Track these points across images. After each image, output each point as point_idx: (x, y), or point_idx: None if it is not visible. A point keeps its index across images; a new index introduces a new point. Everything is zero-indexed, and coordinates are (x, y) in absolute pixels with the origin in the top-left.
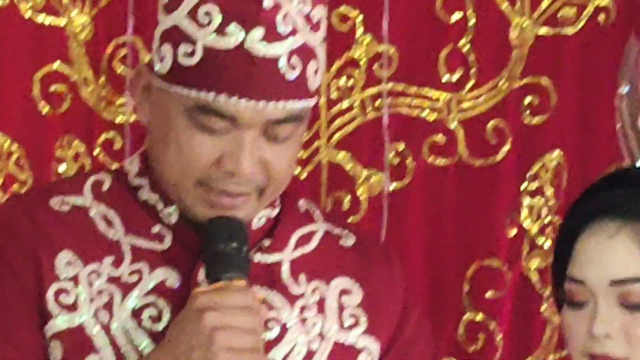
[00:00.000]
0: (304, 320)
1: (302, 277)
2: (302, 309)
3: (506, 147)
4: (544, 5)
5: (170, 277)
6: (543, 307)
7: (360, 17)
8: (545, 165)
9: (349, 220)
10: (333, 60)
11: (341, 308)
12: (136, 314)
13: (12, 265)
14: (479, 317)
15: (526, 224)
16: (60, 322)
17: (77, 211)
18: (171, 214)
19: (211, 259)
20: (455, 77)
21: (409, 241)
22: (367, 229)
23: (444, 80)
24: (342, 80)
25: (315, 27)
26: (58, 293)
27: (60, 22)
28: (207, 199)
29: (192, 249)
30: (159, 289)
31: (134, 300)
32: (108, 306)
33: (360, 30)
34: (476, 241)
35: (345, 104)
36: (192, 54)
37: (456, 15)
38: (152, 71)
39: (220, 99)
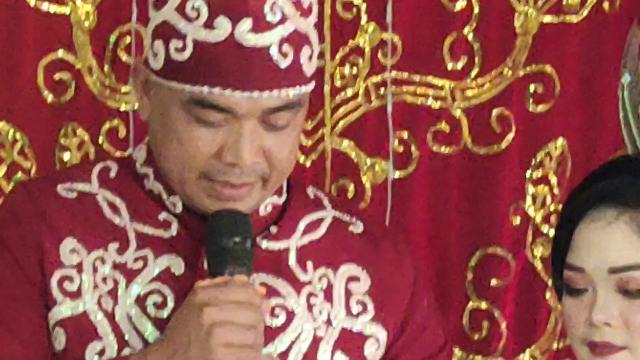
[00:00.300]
0: (311, 307)
1: (309, 264)
2: (309, 295)
3: (510, 135)
4: None
5: (175, 264)
6: (547, 295)
7: (365, 5)
8: (549, 153)
9: None
10: (337, 48)
11: (348, 295)
12: (140, 300)
13: (15, 252)
14: (484, 305)
15: (530, 211)
16: (64, 309)
17: (83, 197)
18: (175, 203)
19: (213, 253)
20: (459, 65)
21: (413, 229)
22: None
23: (448, 68)
24: (347, 69)
25: (305, 13)
26: (62, 280)
27: (65, 10)
28: (211, 191)
29: (198, 236)
30: (164, 276)
31: (138, 286)
32: (112, 293)
33: (364, 18)
34: (480, 229)
35: (349, 92)
36: (182, 49)
37: (461, 3)
38: (148, 67)
39: (214, 92)
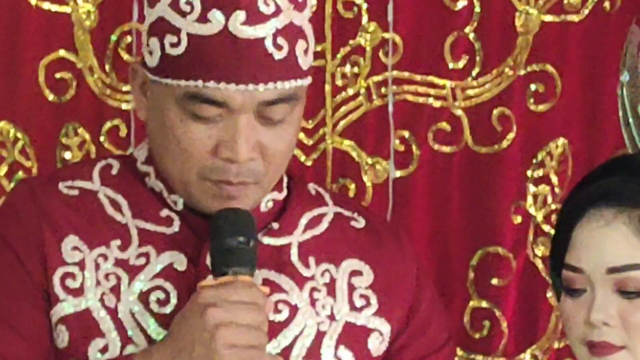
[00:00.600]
0: (314, 302)
1: (312, 259)
2: (312, 290)
3: (511, 135)
4: None
5: (178, 261)
6: (549, 295)
7: (366, 4)
8: (550, 153)
9: None
10: (338, 47)
11: (351, 289)
12: (143, 297)
13: (17, 250)
14: (485, 304)
15: (531, 211)
16: (66, 306)
17: (85, 195)
18: (176, 201)
19: (217, 253)
20: (460, 64)
21: (414, 229)
22: None
23: (449, 67)
24: (348, 68)
25: (300, 7)
26: (64, 277)
27: (66, 9)
28: (213, 192)
29: (200, 232)
30: (167, 272)
31: (141, 283)
32: (115, 289)
33: (365, 18)
34: (481, 228)
35: (350, 92)
36: (177, 44)
37: (462, 2)
38: (145, 67)
39: (209, 86)
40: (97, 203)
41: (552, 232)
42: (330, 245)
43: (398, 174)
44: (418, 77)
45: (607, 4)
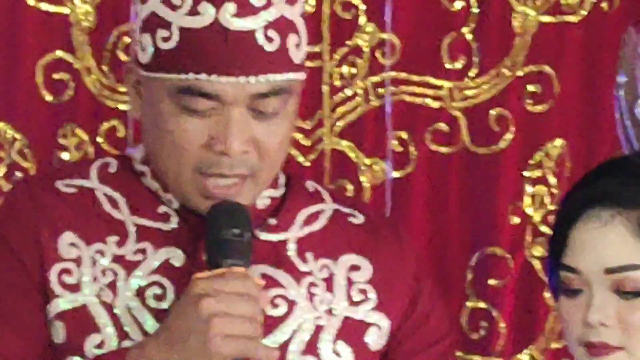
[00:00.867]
0: (312, 297)
1: (309, 255)
2: (310, 285)
3: (509, 135)
4: None
5: (175, 257)
6: (546, 295)
7: (363, 5)
8: (548, 153)
9: None
10: (336, 48)
11: (350, 284)
12: (140, 292)
13: (14, 247)
14: (482, 305)
15: (529, 211)
16: (62, 302)
17: (83, 192)
18: (172, 200)
19: (212, 245)
20: (458, 65)
21: (411, 229)
22: None
23: (447, 68)
24: (345, 69)
25: (291, 0)
26: (61, 273)
27: (64, 10)
28: (205, 190)
29: (197, 229)
30: (164, 268)
31: (138, 279)
32: (112, 285)
33: (363, 18)
34: (479, 229)
35: (348, 92)
36: (169, 38)
37: (459, 3)
38: (138, 65)
39: (200, 78)
40: (95, 200)
41: (550, 232)
42: (328, 241)
43: (396, 174)
44: (416, 78)
45: (604, 5)
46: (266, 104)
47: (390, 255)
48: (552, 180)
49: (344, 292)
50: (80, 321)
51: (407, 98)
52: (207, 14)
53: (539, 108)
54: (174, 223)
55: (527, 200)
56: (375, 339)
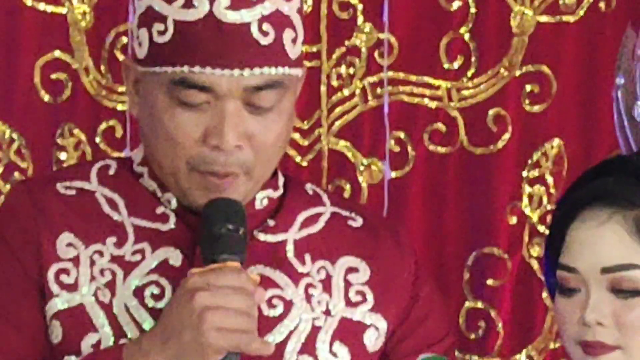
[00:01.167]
0: (309, 298)
1: (308, 256)
2: (307, 286)
3: (507, 135)
4: None
5: (173, 256)
6: (544, 295)
7: (361, 5)
8: (545, 153)
9: None
10: (334, 48)
11: (348, 285)
12: (138, 292)
13: (13, 247)
14: (480, 305)
15: (527, 211)
16: (60, 301)
17: (82, 194)
18: (170, 200)
19: (207, 240)
20: (456, 65)
21: (409, 229)
22: None
23: (444, 68)
24: (343, 69)
25: None
26: (58, 273)
27: (62, 10)
28: (202, 184)
29: (195, 229)
30: (162, 268)
31: (136, 278)
32: (110, 285)
33: (360, 18)
34: (477, 229)
35: (346, 92)
36: (164, 31)
37: (457, 3)
38: (136, 61)
39: (194, 71)
40: (94, 202)
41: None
42: (326, 243)
43: (393, 174)
44: (413, 78)
45: (602, 5)
46: (261, 97)
47: (388, 257)
48: (550, 180)
49: (341, 293)
50: (77, 321)
51: (405, 98)
52: (202, 6)
53: (536, 108)
54: (172, 223)
55: (525, 200)
56: (372, 340)
